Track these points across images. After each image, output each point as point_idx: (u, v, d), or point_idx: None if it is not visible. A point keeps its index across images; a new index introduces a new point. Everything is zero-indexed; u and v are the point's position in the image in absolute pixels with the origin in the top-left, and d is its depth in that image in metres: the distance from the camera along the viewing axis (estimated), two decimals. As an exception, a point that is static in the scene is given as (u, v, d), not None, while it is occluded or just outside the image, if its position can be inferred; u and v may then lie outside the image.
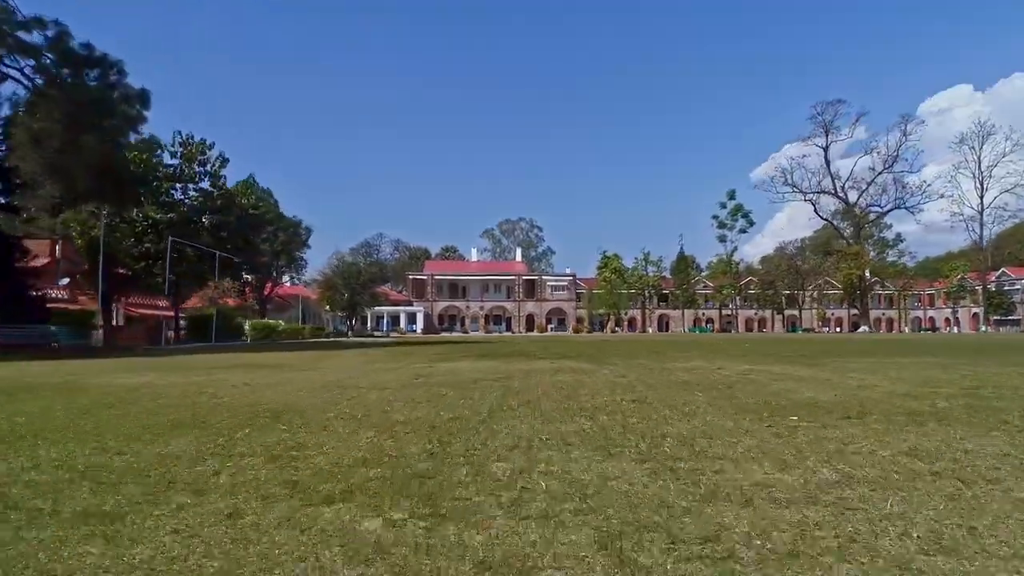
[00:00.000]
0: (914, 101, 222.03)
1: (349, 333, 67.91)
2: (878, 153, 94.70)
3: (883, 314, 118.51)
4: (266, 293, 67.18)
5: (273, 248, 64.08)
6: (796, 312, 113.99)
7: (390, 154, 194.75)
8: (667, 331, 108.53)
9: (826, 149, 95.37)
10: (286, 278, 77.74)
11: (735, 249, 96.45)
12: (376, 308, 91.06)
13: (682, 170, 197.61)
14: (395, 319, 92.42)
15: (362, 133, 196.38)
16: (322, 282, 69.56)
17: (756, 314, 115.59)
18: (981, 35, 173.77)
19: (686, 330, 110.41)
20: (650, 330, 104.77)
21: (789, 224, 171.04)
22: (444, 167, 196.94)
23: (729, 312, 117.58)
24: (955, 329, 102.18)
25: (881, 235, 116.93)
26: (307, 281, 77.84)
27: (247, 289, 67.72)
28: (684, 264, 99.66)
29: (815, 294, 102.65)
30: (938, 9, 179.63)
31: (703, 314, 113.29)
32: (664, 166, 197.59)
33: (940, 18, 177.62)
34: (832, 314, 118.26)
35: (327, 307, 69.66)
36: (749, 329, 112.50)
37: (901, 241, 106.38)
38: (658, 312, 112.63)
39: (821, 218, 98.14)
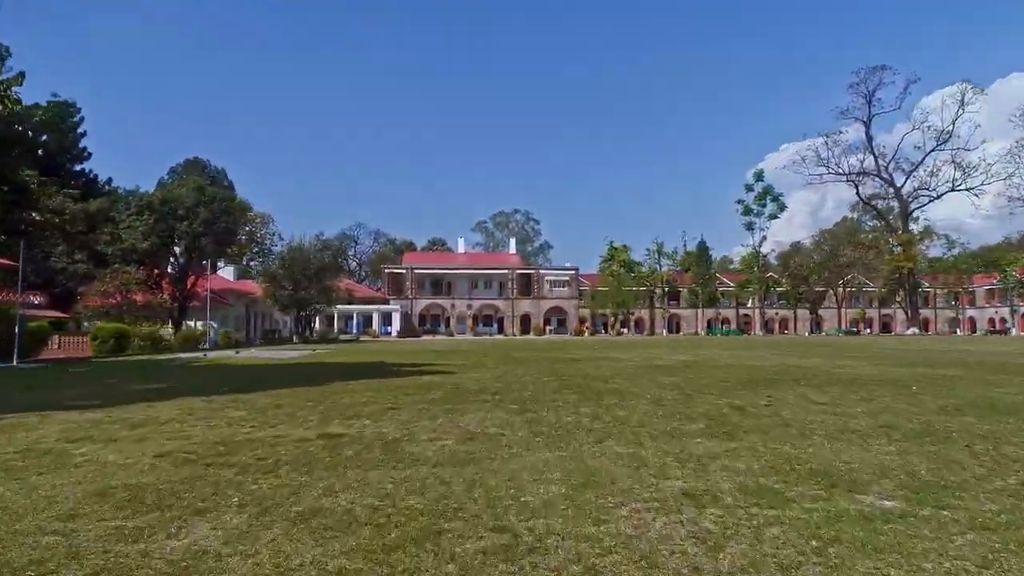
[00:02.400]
0: (911, 100, 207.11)
1: (295, 338, 50.83)
2: (928, 128, 77.63)
3: (918, 314, 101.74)
4: (188, 287, 50.07)
5: (192, 229, 47.10)
6: (825, 311, 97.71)
7: (385, 149, 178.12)
8: (678, 333, 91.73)
9: (868, 123, 78.46)
10: (224, 267, 60.71)
11: (764, 238, 79.51)
12: (342, 307, 74.05)
13: (679, 169, 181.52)
14: (367, 319, 75.46)
15: (357, 128, 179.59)
16: (263, 274, 52.66)
17: (777, 314, 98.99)
18: (979, 35, 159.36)
19: (703, 332, 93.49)
20: (663, 332, 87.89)
21: (788, 224, 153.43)
22: (439, 163, 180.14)
23: (748, 312, 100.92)
24: (1015, 331, 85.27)
25: (907, 227, 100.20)
26: (256, 273, 60.77)
27: (163, 282, 50.86)
28: (705, 257, 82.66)
29: (852, 291, 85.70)
30: (937, 9, 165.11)
31: (719, 314, 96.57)
32: (661, 166, 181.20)
33: (939, 18, 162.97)
34: (863, 313, 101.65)
35: (272, 304, 52.46)
36: (770, 331, 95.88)
37: (930, 233, 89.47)
38: (668, 311, 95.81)
39: (864, 203, 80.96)
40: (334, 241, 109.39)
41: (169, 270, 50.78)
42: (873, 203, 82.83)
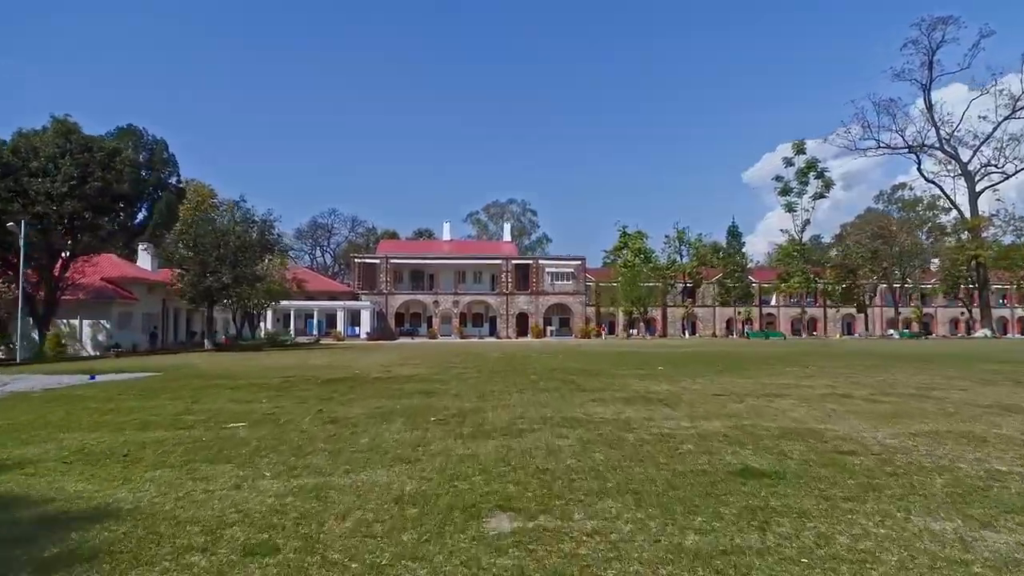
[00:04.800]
0: (907, 100, 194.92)
1: (207, 343, 35.41)
2: (1000, 92, 62.80)
3: (963, 314, 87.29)
4: (58, 273, 34.70)
5: (53, 189, 31.95)
6: (859, 310, 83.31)
7: (381, 145, 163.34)
8: (694, 334, 77.07)
9: (927, 88, 63.59)
10: (147, 249, 45.53)
11: (807, 223, 64.83)
12: (301, 303, 58.88)
13: (678, 169, 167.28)
14: (331, 318, 60.36)
15: (352, 124, 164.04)
16: (165, 255, 37.55)
17: (806, 313, 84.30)
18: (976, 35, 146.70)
19: (722, 334, 78.87)
20: (685, 335, 73.19)
21: (783, 224, 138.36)
22: (432, 155, 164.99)
23: (771, 311, 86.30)
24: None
25: (938, 218, 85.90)
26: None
27: (28, 268, 35.53)
28: (736, 244, 67.99)
29: (909, 287, 71.12)
30: (935, 9, 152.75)
31: (740, 312, 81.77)
32: (659, 166, 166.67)
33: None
34: (899, 313, 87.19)
35: (181, 299, 36.82)
36: (796, 332, 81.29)
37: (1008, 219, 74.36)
38: (681, 310, 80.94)
39: (927, 180, 66.13)
40: (324, 224, 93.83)
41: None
42: (936, 181, 67.17)
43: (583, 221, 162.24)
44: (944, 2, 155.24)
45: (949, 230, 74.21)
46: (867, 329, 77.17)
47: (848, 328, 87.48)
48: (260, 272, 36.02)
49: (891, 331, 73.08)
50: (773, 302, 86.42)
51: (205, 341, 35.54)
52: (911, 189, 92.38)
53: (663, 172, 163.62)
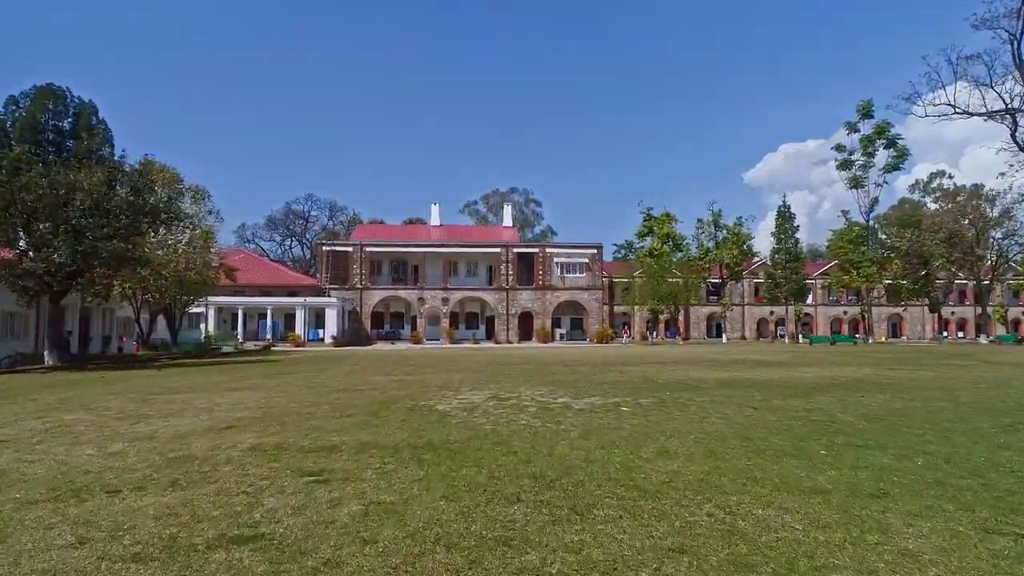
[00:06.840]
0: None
1: (47, 356, 22.56)
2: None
3: (1024, 313, 75.07)
4: None
5: None
6: (909, 311, 71.00)
7: (374, 140, 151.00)
8: (720, 337, 64.68)
9: (1018, 39, 50.96)
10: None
11: (876, 201, 52.16)
12: (252, 300, 46.41)
13: (676, 167, 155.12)
14: (289, 319, 47.85)
15: (348, 120, 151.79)
16: None
17: (846, 313, 71.88)
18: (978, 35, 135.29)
19: (751, 337, 66.51)
20: (723, 338, 60.66)
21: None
22: (432, 155, 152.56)
23: (809, 310, 73.82)
24: None
25: (980, 208, 73.73)
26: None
27: None
28: (788, 229, 55.46)
29: (992, 281, 58.82)
30: (933, 8, 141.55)
31: (772, 313, 69.35)
32: (657, 163, 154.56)
33: (936, 18, 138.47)
34: (953, 313, 74.90)
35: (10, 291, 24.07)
36: (836, 332, 68.85)
37: None
38: (705, 310, 68.54)
39: (1022, 148, 53.72)
40: (299, 212, 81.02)
41: None
42: None
43: (582, 222, 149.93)
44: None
45: (993, 221, 63.00)
46: (942, 332, 64.52)
47: (894, 330, 75.25)
48: (140, 252, 23.38)
49: (971, 334, 60.47)
50: (809, 300, 74.27)
51: (45, 354, 22.85)
52: (951, 178, 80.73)
53: (663, 172, 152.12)
